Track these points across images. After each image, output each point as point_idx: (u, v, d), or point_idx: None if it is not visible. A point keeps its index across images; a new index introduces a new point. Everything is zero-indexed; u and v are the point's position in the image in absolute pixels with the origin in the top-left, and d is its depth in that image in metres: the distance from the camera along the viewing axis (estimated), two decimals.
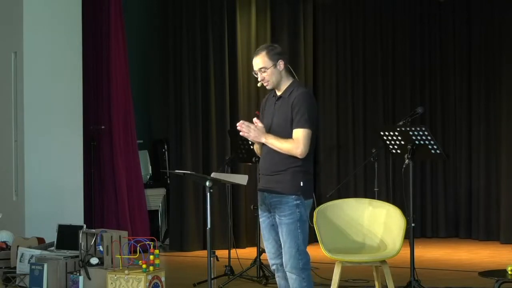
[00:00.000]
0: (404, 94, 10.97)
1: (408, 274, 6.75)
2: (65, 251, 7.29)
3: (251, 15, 10.20)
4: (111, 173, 9.48)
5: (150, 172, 10.36)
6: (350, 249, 6.27)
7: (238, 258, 7.81)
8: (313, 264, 5.17)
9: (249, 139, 5.04)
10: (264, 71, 5.05)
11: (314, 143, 5.09)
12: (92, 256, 6.93)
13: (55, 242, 7.46)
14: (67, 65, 8.84)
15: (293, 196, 4.96)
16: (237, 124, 5.00)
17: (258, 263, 7.61)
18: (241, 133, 4.99)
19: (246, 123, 5.01)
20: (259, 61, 5.05)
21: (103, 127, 9.44)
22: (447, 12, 10.88)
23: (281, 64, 5.04)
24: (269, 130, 5.06)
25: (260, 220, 5.17)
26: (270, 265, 5.20)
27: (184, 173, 5.52)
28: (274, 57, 5.03)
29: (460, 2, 10.79)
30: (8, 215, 8.25)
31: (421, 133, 6.62)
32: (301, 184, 4.97)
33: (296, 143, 4.91)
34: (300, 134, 4.91)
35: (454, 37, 10.86)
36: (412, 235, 6.67)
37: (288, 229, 4.97)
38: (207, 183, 4.93)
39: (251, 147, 7.55)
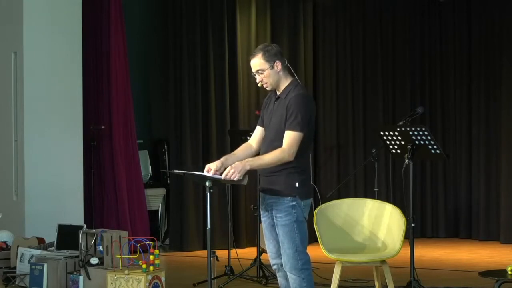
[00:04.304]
0: (404, 94, 10.97)
1: (408, 274, 6.75)
2: (65, 251, 7.29)
3: (251, 15, 10.20)
4: (111, 173, 9.48)
5: (150, 172, 10.36)
6: (350, 249, 6.27)
7: (238, 258, 7.82)
8: (313, 264, 5.17)
9: (237, 177, 4.81)
10: (261, 73, 5.05)
11: (311, 143, 5.10)
12: (92, 256, 6.93)
13: (55, 242, 7.46)
14: (67, 65, 8.84)
15: (289, 198, 4.96)
16: (222, 175, 4.85)
17: (258, 263, 7.61)
18: (227, 178, 4.83)
19: (217, 167, 4.91)
20: (256, 63, 5.05)
21: (103, 127, 9.44)
22: (447, 12, 10.88)
23: (278, 65, 5.03)
24: (267, 128, 5.10)
25: (262, 220, 5.18)
26: (271, 264, 5.20)
27: (184, 173, 5.51)
28: (270, 59, 5.02)
29: (460, 2, 10.79)
30: (8, 215, 8.25)
31: (421, 133, 6.62)
32: (296, 185, 4.96)
33: (281, 150, 4.88)
34: (288, 137, 4.91)
35: (454, 37, 10.86)
36: (412, 235, 6.67)
37: (284, 230, 4.98)
38: (207, 183, 4.92)
39: None
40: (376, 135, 7.24)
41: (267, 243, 5.17)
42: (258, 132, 5.21)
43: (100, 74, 9.54)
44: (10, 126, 8.77)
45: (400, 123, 6.86)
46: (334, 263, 6.19)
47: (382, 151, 8.88)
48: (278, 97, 5.08)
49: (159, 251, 7.23)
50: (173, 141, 9.94)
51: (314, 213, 6.26)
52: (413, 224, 6.63)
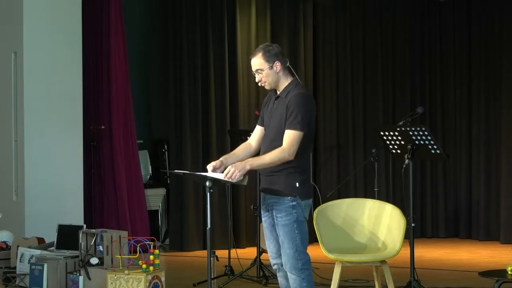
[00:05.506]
0: (404, 94, 10.97)
1: (408, 274, 6.76)
2: (65, 251, 7.29)
3: (251, 15, 10.20)
4: (111, 173, 9.48)
5: (150, 172, 10.36)
6: (350, 249, 6.27)
7: (238, 258, 7.82)
8: (313, 264, 5.16)
9: (237, 176, 4.83)
10: (260, 72, 5.06)
11: (312, 143, 5.11)
12: (92, 256, 6.93)
13: (55, 242, 7.46)
14: (67, 65, 8.84)
15: (289, 198, 4.97)
16: (223, 175, 4.85)
17: (258, 263, 7.61)
18: (227, 177, 4.84)
19: (219, 166, 4.94)
20: (256, 63, 5.06)
21: (103, 127, 9.44)
22: (447, 12, 10.88)
23: (277, 65, 5.04)
24: (267, 128, 5.10)
25: (262, 219, 5.18)
26: (272, 264, 5.20)
27: (184, 173, 5.51)
28: (270, 59, 5.03)
29: (460, 2, 10.79)
30: (8, 215, 8.25)
31: (421, 133, 6.62)
32: (297, 185, 4.96)
33: (281, 150, 4.89)
34: (288, 136, 4.91)
35: (454, 37, 10.86)
36: (412, 235, 6.67)
37: (284, 230, 4.98)
38: (207, 183, 4.92)
39: None
40: (376, 135, 7.24)
41: (268, 243, 5.18)
42: (258, 131, 5.21)
43: (100, 74, 9.54)
44: (10, 126, 8.77)
45: (400, 123, 6.86)
46: (334, 263, 6.19)
47: (382, 151, 8.88)
48: (278, 96, 5.08)
49: (159, 251, 7.23)
50: (173, 141, 9.94)
51: (314, 213, 6.26)
52: (413, 224, 6.63)
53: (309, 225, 5.16)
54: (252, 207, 7.77)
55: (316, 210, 6.32)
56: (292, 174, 4.96)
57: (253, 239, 9.34)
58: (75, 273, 6.95)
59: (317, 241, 6.18)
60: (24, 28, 8.62)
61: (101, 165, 9.51)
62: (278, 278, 5.23)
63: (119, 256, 6.70)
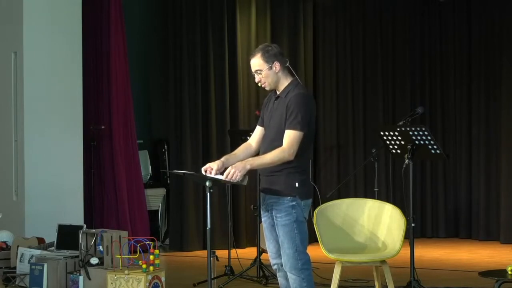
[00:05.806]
0: (404, 94, 10.97)
1: (408, 274, 6.76)
2: (65, 251, 7.29)
3: (251, 15, 10.20)
4: (111, 173, 9.48)
5: (150, 172, 10.36)
6: (350, 249, 6.27)
7: (238, 258, 7.82)
8: (313, 264, 5.16)
9: (238, 177, 4.82)
10: (260, 73, 5.06)
11: (311, 143, 5.11)
12: (92, 256, 6.93)
13: (55, 242, 7.46)
14: (67, 65, 8.84)
15: (289, 198, 4.96)
16: (224, 176, 4.84)
17: (258, 263, 7.61)
18: (228, 178, 4.83)
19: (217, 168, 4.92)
20: (255, 63, 5.06)
21: (103, 127, 9.44)
22: (447, 12, 10.89)
23: (276, 65, 5.03)
24: (267, 128, 5.10)
25: (262, 220, 5.18)
26: (272, 264, 5.20)
27: (184, 173, 5.51)
28: (269, 59, 5.03)
29: (460, 2, 10.80)
30: (8, 215, 8.25)
31: (421, 133, 6.63)
32: (296, 185, 4.96)
33: (281, 150, 4.88)
34: (288, 136, 4.91)
35: (454, 37, 10.86)
36: (412, 235, 6.67)
37: (284, 230, 4.98)
38: (207, 183, 4.92)
39: None
40: (376, 135, 7.25)
41: (268, 243, 5.18)
42: (258, 132, 5.21)
43: (100, 74, 9.54)
44: (10, 126, 8.77)
45: (400, 123, 6.86)
46: (334, 263, 6.20)
47: (382, 151, 8.88)
48: (278, 97, 5.08)
49: (159, 251, 7.23)
50: (173, 141, 9.95)
51: (314, 213, 6.26)
52: (413, 224, 6.63)
53: (309, 225, 5.16)
54: (252, 207, 7.77)
55: (316, 210, 6.32)
56: (292, 174, 4.96)
57: (253, 239, 9.34)
58: (75, 273, 6.95)
59: (317, 241, 6.18)
60: (24, 28, 8.62)
61: (101, 165, 9.51)
62: (278, 278, 5.23)
63: (119, 256, 6.70)
